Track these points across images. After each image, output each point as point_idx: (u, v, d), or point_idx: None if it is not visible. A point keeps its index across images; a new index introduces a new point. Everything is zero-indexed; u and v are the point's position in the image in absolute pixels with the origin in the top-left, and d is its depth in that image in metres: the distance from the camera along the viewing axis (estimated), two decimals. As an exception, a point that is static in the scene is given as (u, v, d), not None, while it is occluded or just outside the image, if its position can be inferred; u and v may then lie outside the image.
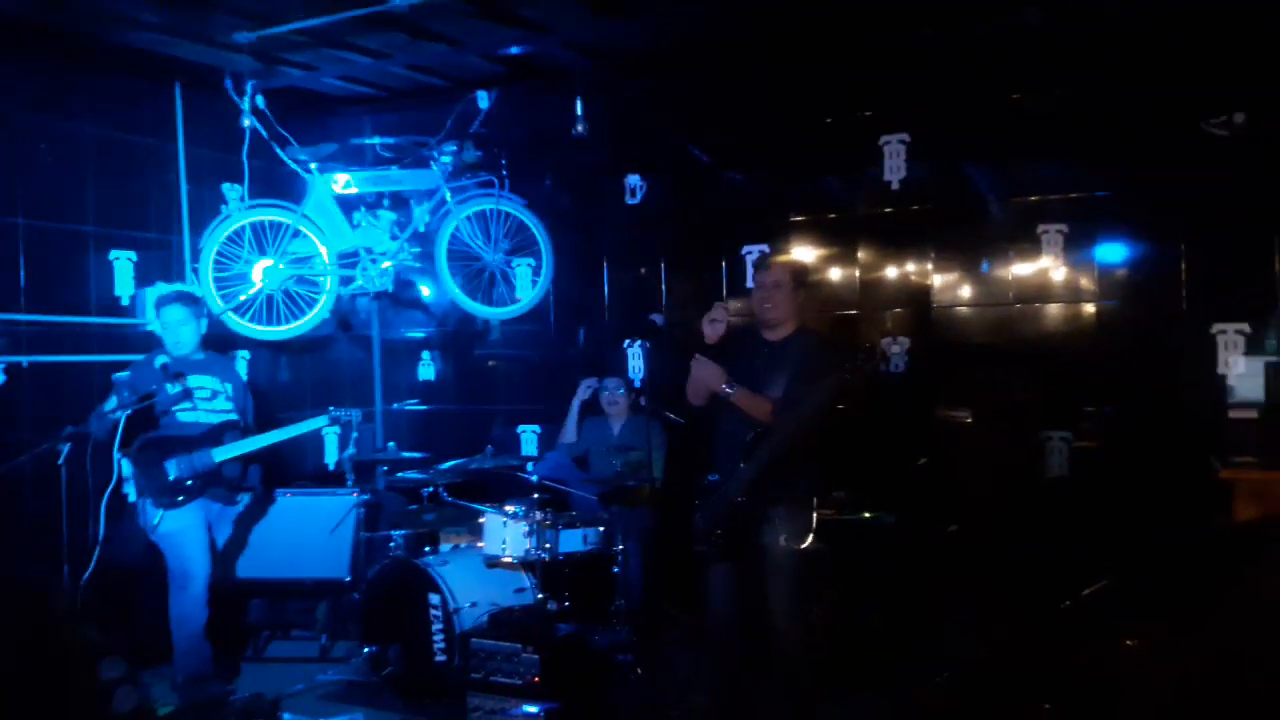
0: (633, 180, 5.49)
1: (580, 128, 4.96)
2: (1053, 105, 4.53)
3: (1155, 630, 2.76)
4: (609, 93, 5.29)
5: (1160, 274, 4.46)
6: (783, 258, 4.36)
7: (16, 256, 4.66)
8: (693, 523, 3.74)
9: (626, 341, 5.49)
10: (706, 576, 3.76)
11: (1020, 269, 4.70)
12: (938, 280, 4.87)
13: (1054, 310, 4.67)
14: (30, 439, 4.22)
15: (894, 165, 4.85)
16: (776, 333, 3.76)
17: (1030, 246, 4.66)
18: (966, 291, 4.83)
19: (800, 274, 3.85)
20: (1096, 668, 2.78)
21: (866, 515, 4.56)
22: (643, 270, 5.47)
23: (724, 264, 5.23)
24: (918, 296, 4.88)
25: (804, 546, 3.62)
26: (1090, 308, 4.60)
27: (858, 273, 5.01)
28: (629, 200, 5.49)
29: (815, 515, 3.69)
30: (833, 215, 5.06)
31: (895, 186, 4.86)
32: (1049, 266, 4.63)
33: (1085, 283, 4.60)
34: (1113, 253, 4.57)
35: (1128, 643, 2.99)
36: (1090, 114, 4.45)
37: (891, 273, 4.96)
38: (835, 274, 5.07)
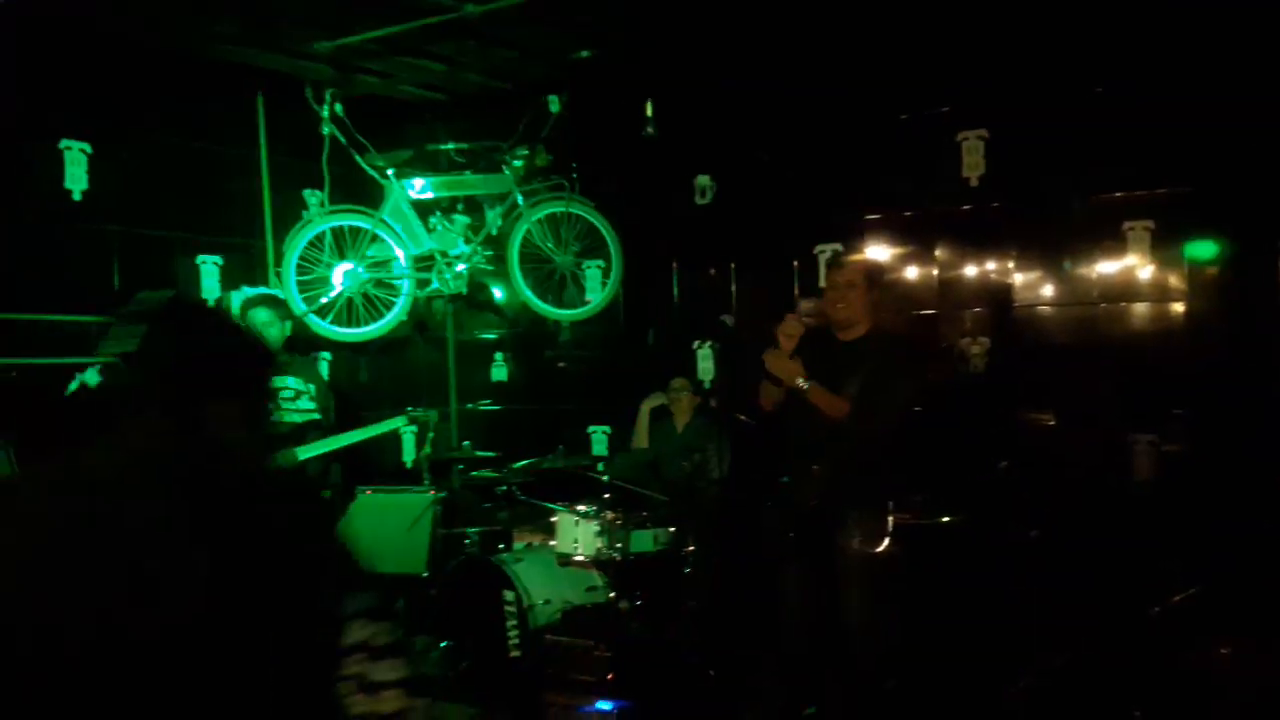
0: (702, 180, 5.48)
1: (650, 129, 4.97)
2: (1139, 98, 4.39)
3: (1248, 637, 2.67)
4: (679, 94, 5.30)
5: (1253, 271, 4.29)
6: (856, 257, 4.30)
7: (111, 262, 4.84)
8: (762, 525, 3.71)
9: (696, 343, 5.49)
10: (779, 579, 3.73)
11: (1105, 267, 4.56)
12: (1018, 279, 4.75)
13: (1140, 309, 4.52)
14: (124, 437, 4.36)
15: (972, 161, 4.76)
16: (850, 333, 3.70)
17: (1115, 244, 4.52)
18: (1048, 290, 4.71)
19: (874, 273, 3.80)
20: (1188, 675, 2.70)
21: (945, 519, 4.47)
22: (712, 271, 5.46)
23: (796, 263, 5.19)
24: (998, 296, 4.77)
25: (879, 550, 3.56)
26: (1179, 307, 4.44)
27: (935, 271, 4.93)
28: (698, 200, 5.48)
29: (891, 519, 3.63)
30: (908, 213, 4.98)
31: (974, 183, 4.76)
32: (1135, 264, 4.49)
33: (1174, 281, 4.45)
34: (1203, 250, 4.41)
35: (1221, 650, 2.89)
36: (1178, 106, 4.30)
37: (970, 271, 4.86)
38: (912, 273, 4.99)
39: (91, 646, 1.27)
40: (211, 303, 5.25)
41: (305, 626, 1.43)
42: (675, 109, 5.21)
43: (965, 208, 4.81)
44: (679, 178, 5.51)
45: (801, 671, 3.74)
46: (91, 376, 4.62)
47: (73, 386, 4.57)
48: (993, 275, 4.81)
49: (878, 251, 5.04)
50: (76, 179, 4.70)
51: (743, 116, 5.32)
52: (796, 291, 5.17)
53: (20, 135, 4.51)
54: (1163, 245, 4.44)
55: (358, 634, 1.54)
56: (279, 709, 1.39)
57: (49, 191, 4.61)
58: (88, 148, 4.72)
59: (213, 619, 1.31)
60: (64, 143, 4.66)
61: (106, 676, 1.27)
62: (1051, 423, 4.62)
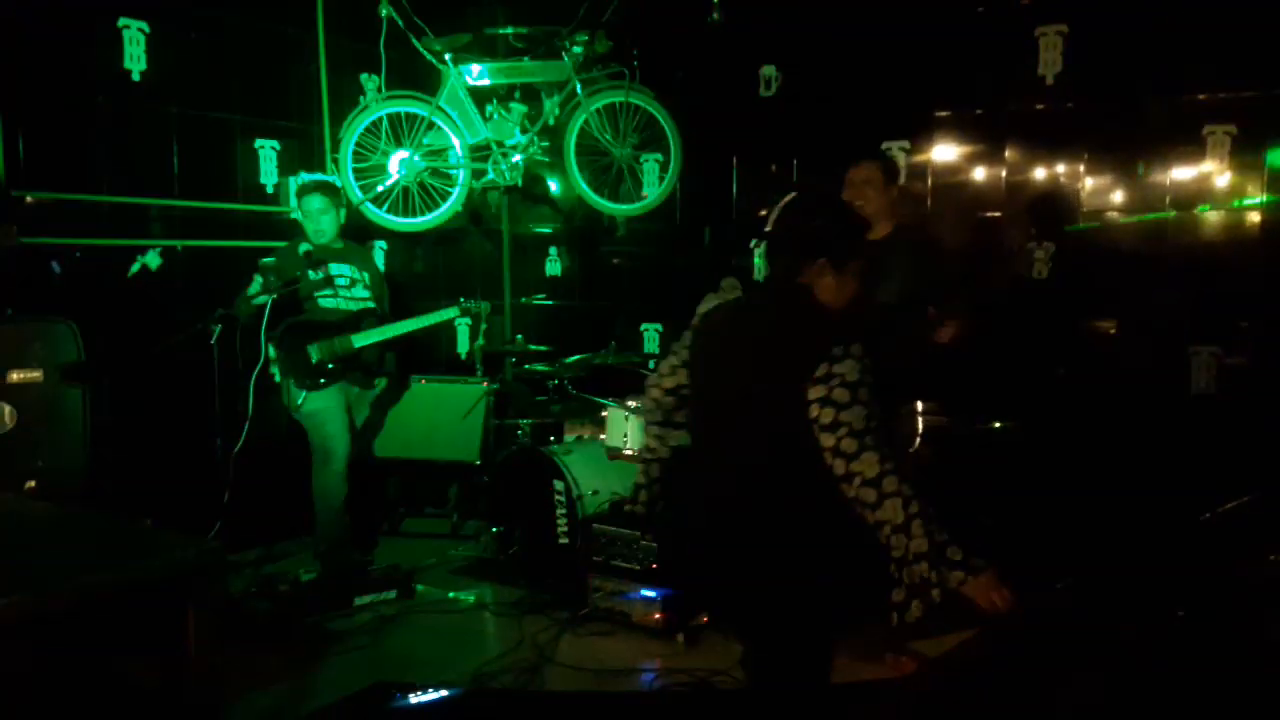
0: (767, 71, 5.30)
1: (715, 15, 4.81)
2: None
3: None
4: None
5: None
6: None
7: (170, 144, 4.85)
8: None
9: (753, 242, 5.41)
10: None
11: (1180, 173, 4.39)
12: (1089, 183, 4.59)
13: (1213, 218, 4.36)
14: (185, 319, 4.47)
15: (1050, 59, 4.55)
16: (874, 233, 3.64)
17: (1193, 149, 4.33)
18: (1119, 196, 4.55)
19: (891, 169, 3.71)
20: (1236, 580, 2.69)
21: (998, 425, 4.46)
22: (774, 168, 5.33)
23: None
24: (1066, 200, 4.63)
25: (912, 450, 3.57)
26: (1255, 217, 4.28)
27: (1004, 173, 4.77)
28: (763, 93, 5.32)
29: (921, 420, 3.61)
30: (980, 111, 4.79)
31: (1050, 82, 4.56)
32: (1212, 171, 4.31)
33: (1252, 189, 4.27)
34: (1287, 157, 4.23)
35: (1270, 557, 2.87)
36: (1270, 3, 4.06)
37: (1040, 174, 4.70)
38: (980, 174, 4.83)
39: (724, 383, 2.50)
40: (270, 188, 5.28)
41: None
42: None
43: (1039, 107, 4.62)
44: (743, 68, 5.33)
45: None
46: (153, 259, 4.70)
47: (134, 268, 4.66)
48: (1063, 178, 4.65)
49: (946, 150, 4.88)
50: (135, 59, 4.68)
51: (811, 5, 5.11)
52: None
53: (78, 13, 4.48)
54: (1243, 151, 4.25)
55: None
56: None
57: (108, 72, 4.59)
58: (146, 27, 4.68)
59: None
60: (122, 21, 4.62)
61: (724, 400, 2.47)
62: (1113, 331, 4.52)
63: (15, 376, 3.85)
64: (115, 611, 2.35)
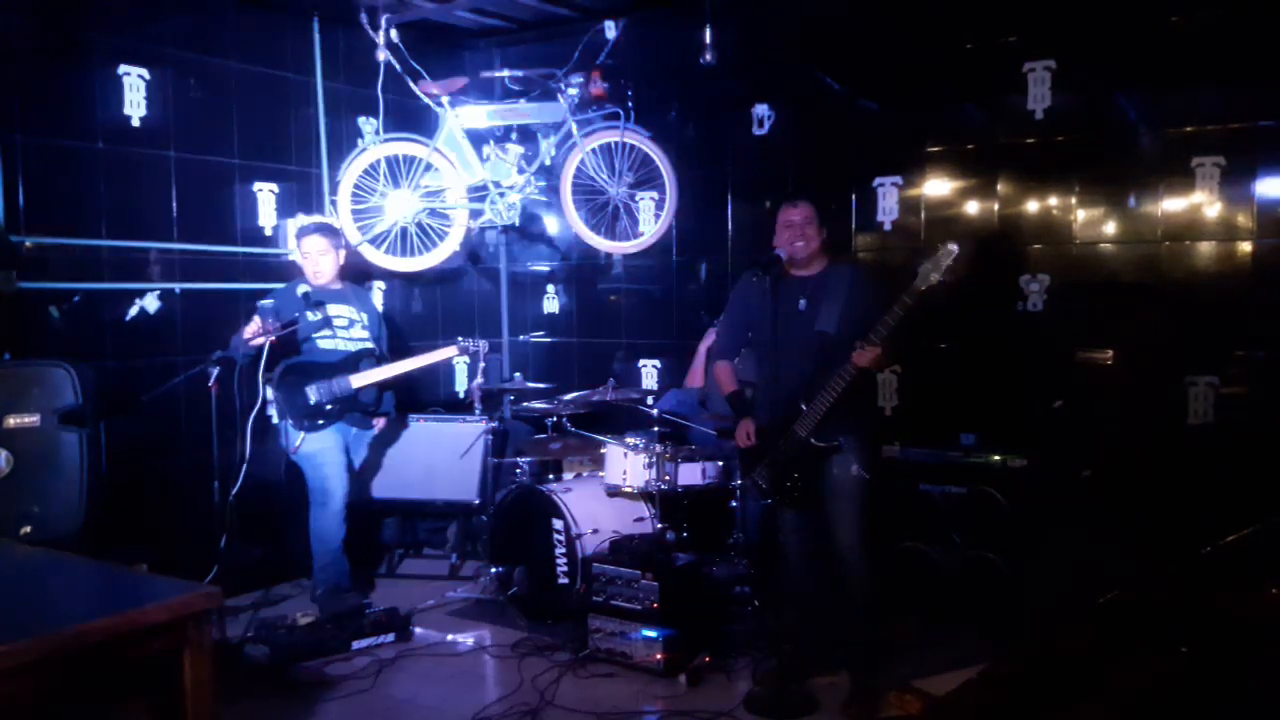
0: (760, 110, 5.36)
1: (708, 56, 4.87)
2: (1213, 27, 4.20)
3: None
4: (738, 19, 5.17)
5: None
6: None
7: (169, 188, 4.89)
8: (761, 473, 3.76)
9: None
10: (777, 521, 3.82)
11: (1171, 204, 4.42)
12: (1081, 215, 4.63)
13: (1205, 249, 4.39)
14: (183, 361, 4.48)
15: (1038, 93, 4.60)
16: (808, 268, 3.74)
17: (1183, 181, 4.37)
18: (1111, 228, 4.58)
19: (821, 211, 3.80)
20: (1238, 615, 2.67)
21: (997, 458, 4.45)
22: (768, 204, 5.37)
23: (854, 197, 5.09)
24: (1059, 232, 4.66)
25: (870, 477, 3.62)
26: (1246, 246, 4.30)
27: (996, 206, 4.81)
28: (756, 131, 5.37)
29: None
30: (971, 145, 4.84)
31: (1039, 116, 4.61)
32: (1202, 202, 4.35)
33: (1242, 219, 4.30)
34: (1275, 187, 4.25)
35: (1273, 591, 2.86)
36: (1254, 37, 4.12)
37: (1032, 206, 4.74)
38: (972, 207, 4.87)
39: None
40: (268, 230, 5.31)
41: None
42: (734, 36, 5.09)
43: (1029, 141, 4.67)
44: (736, 107, 5.40)
45: (810, 606, 3.82)
46: (150, 302, 4.72)
47: (133, 312, 4.67)
48: (1055, 211, 4.68)
49: (939, 185, 4.93)
50: (135, 105, 4.73)
51: (803, 45, 5.18)
52: (854, 225, 5.09)
53: (79, 61, 4.54)
54: (1232, 183, 4.29)
55: None
56: None
57: (108, 118, 4.64)
58: (146, 73, 4.74)
59: None
60: (123, 68, 4.68)
61: None
62: (1110, 362, 4.53)
63: (12, 421, 3.84)
64: (111, 657, 2.33)
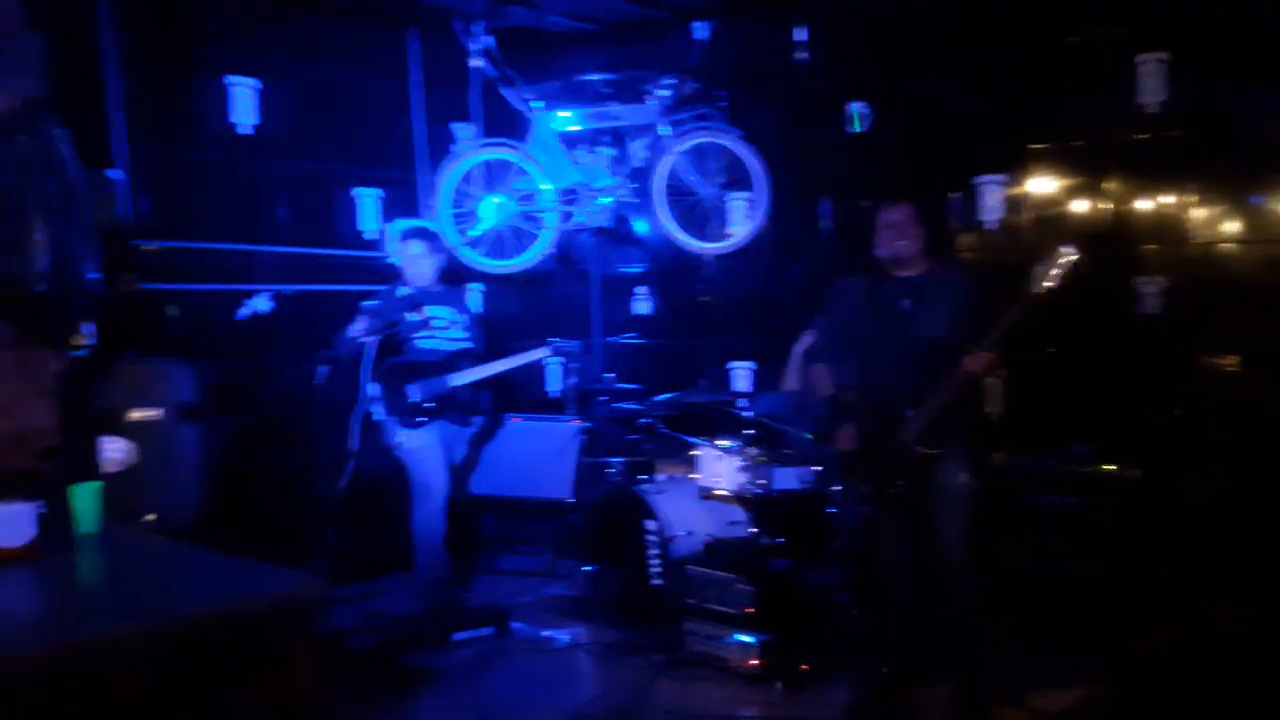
0: (856, 108, 5.29)
1: (802, 55, 4.82)
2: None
3: None
4: (832, 16, 5.11)
5: None
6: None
7: (277, 194, 5.06)
8: (862, 479, 3.69)
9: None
10: (879, 529, 3.73)
11: (1296, 200, 4.22)
12: (1198, 213, 4.44)
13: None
14: (292, 360, 4.62)
15: (1150, 86, 4.42)
16: (912, 269, 3.64)
17: (1310, 175, 4.17)
18: (1232, 226, 4.39)
19: (923, 210, 3.70)
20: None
21: (1110, 468, 4.29)
22: (865, 203, 5.29)
23: (955, 196, 4.98)
24: (1174, 231, 4.47)
25: (976, 485, 3.54)
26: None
27: (1106, 204, 4.65)
28: (851, 130, 5.31)
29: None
30: (1078, 142, 4.69)
31: (1151, 110, 4.44)
32: (1331, 196, 4.14)
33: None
34: None
35: None
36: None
37: (1145, 205, 4.56)
38: (1081, 206, 4.72)
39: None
40: (371, 234, 5.44)
41: None
42: (827, 34, 5.03)
43: (1141, 137, 4.49)
44: (831, 106, 5.32)
45: (910, 619, 3.72)
46: (262, 303, 4.88)
47: (246, 312, 4.84)
48: (1169, 209, 4.50)
49: (1044, 183, 4.78)
50: (244, 114, 4.91)
51: (899, 40, 5.09)
52: (956, 226, 4.97)
53: (191, 73, 4.73)
54: (1363, 177, 4.07)
55: None
56: None
57: (221, 126, 4.83)
58: (253, 84, 4.91)
59: None
60: (232, 79, 4.86)
61: None
62: (1234, 369, 4.33)
63: (136, 415, 4.02)
64: (227, 643, 2.41)
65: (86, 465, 3.88)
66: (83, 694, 2.16)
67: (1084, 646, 4.00)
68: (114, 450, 3.95)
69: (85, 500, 2.99)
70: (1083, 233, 4.62)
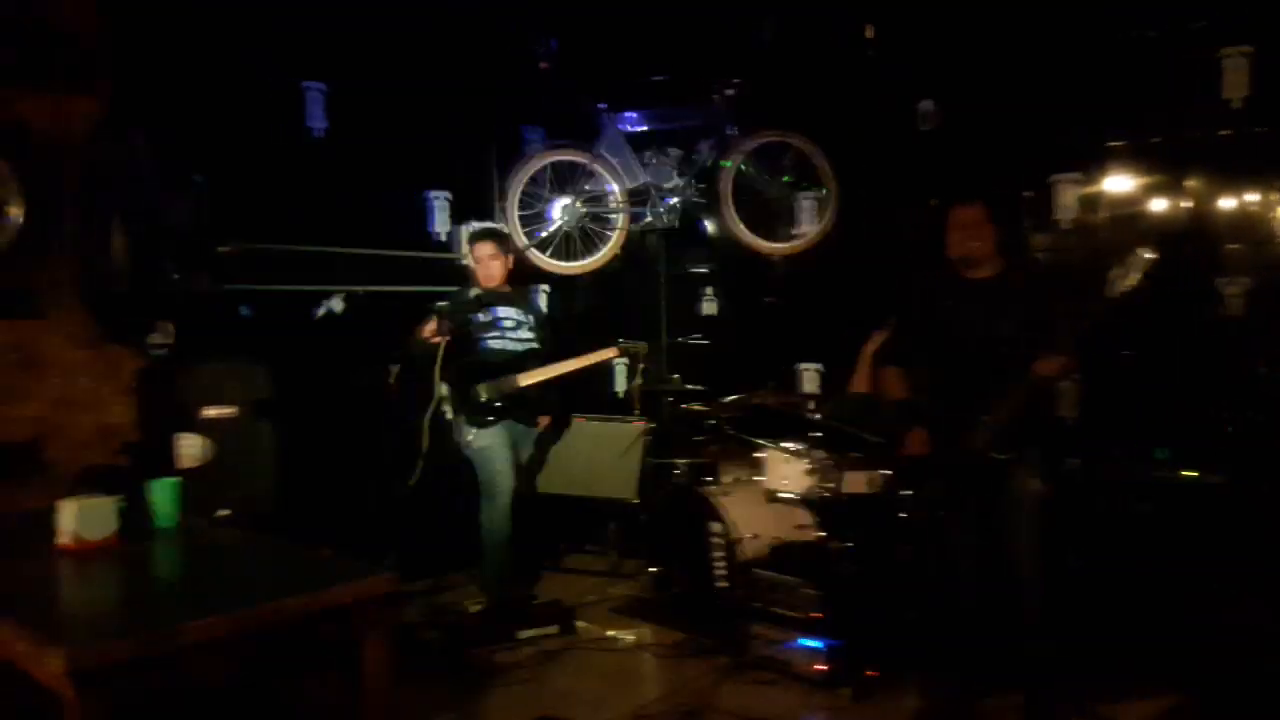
0: (926, 106, 5.20)
1: (871, 52, 4.77)
2: None
3: None
4: (901, 13, 5.04)
5: None
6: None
7: (350, 197, 5.15)
8: (933, 483, 3.62)
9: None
10: (950, 535, 3.64)
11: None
12: (1286, 212, 4.28)
13: None
14: (364, 359, 4.72)
15: (1235, 81, 4.28)
16: (981, 271, 3.56)
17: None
18: (1322, 225, 4.22)
19: (997, 209, 3.61)
20: None
21: (1191, 474, 4.15)
22: (936, 203, 5.20)
23: (1028, 195, 4.87)
24: (1258, 230, 4.31)
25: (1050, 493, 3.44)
26: None
27: (1186, 203, 4.50)
28: (921, 127, 5.22)
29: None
30: (1157, 139, 4.55)
31: (1235, 106, 4.29)
32: None
33: None
34: None
35: None
36: None
37: (1227, 203, 4.41)
38: (1159, 204, 4.57)
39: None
40: (443, 236, 5.53)
41: None
42: (897, 30, 4.96)
43: (1224, 133, 4.35)
44: (900, 104, 5.24)
45: (980, 618, 3.63)
46: (336, 303, 4.99)
47: (320, 313, 4.95)
48: (1255, 207, 4.34)
49: (1120, 181, 4.65)
50: (317, 117, 5.02)
51: (970, 36, 4.99)
52: (1029, 225, 4.87)
53: (265, 78, 4.85)
54: None
55: None
56: None
57: (293, 130, 4.94)
58: (326, 87, 5.02)
59: None
60: (305, 83, 4.97)
61: None
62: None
63: (212, 412, 4.15)
64: (301, 634, 2.47)
65: (164, 461, 4.02)
66: (162, 681, 2.24)
67: (1160, 656, 3.88)
68: (190, 446, 4.08)
69: (163, 495, 3.10)
70: (1161, 232, 4.49)
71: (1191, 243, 4.43)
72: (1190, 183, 4.48)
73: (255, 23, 4.79)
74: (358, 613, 2.55)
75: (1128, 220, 4.62)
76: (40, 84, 3.83)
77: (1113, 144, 4.67)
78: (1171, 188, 4.54)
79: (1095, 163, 4.70)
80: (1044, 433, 3.57)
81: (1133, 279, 3.20)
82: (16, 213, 3.73)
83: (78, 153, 3.85)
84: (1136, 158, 4.62)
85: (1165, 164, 4.54)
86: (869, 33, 4.78)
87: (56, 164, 3.84)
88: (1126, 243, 3.34)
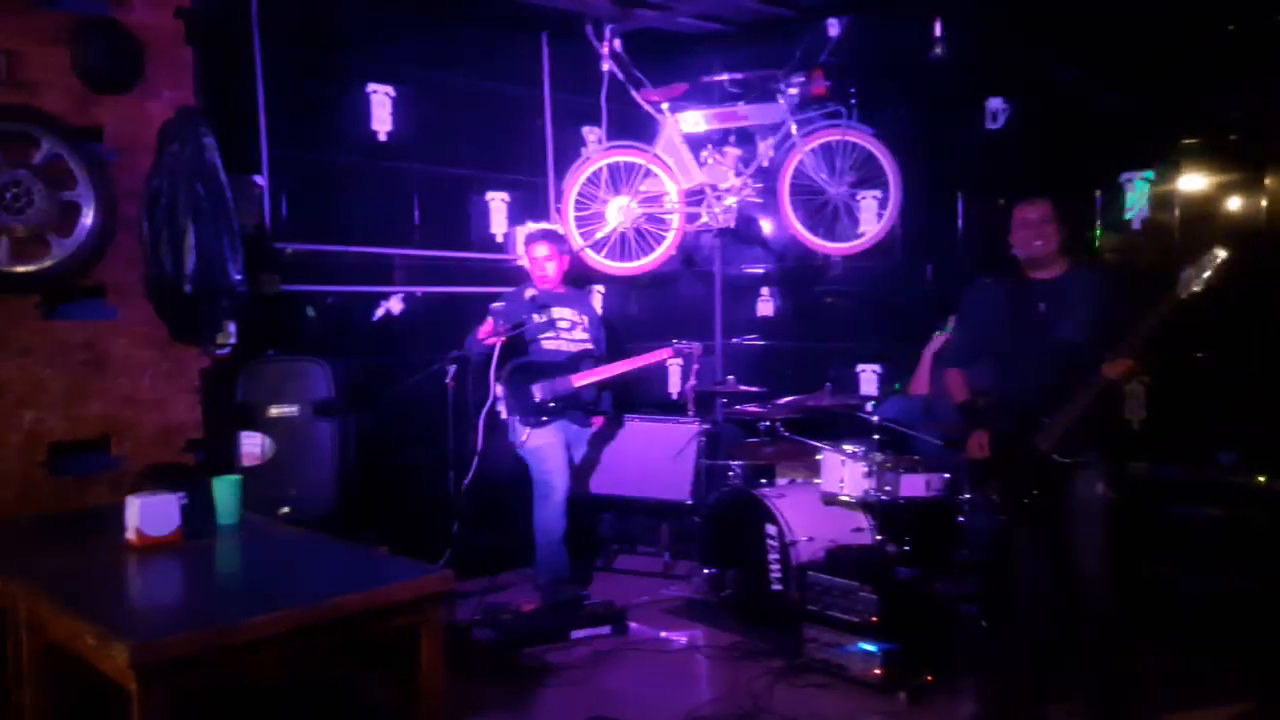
0: (994, 104, 5.07)
1: (938, 50, 4.68)
2: None
3: None
4: (969, 10, 4.93)
5: None
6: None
7: (411, 198, 5.23)
8: (995, 487, 3.54)
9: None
10: (1011, 539, 3.57)
11: None
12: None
13: None
14: (422, 359, 4.77)
15: (1315, 76, 4.12)
16: (1046, 271, 3.48)
17: None
18: None
19: (1063, 209, 3.53)
20: None
21: (1261, 479, 4.02)
22: (1002, 201, 5.09)
23: (1098, 193, 4.74)
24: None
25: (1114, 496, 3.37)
26: None
27: (1264, 202, 4.34)
28: (989, 126, 5.11)
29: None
30: (1234, 136, 4.40)
31: (1316, 101, 4.13)
32: None
33: None
34: None
35: None
36: None
37: (1310, 203, 4.25)
38: (1234, 203, 4.42)
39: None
40: (500, 237, 5.57)
41: None
42: (964, 28, 4.86)
43: (1304, 129, 4.19)
44: (967, 101, 5.12)
45: (1044, 635, 3.55)
46: (395, 304, 5.05)
47: (380, 313, 5.02)
48: (1339, 208, 4.17)
49: (1195, 179, 4.50)
50: (381, 121, 5.08)
51: (1040, 32, 4.87)
52: (1098, 225, 4.73)
53: (333, 81, 4.93)
54: None
55: None
56: None
57: (358, 133, 5.01)
58: (391, 91, 5.08)
59: None
60: (370, 86, 5.04)
61: None
62: None
63: (274, 411, 4.22)
64: (359, 630, 2.50)
65: (227, 458, 4.11)
66: (222, 675, 2.28)
67: (1228, 664, 3.77)
68: (252, 444, 4.15)
69: (226, 492, 3.16)
70: (1235, 231, 4.34)
71: (1266, 242, 4.28)
72: (1268, 181, 4.32)
73: (325, 26, 4.87)
74: (415, 610, 2.57)
75: (1200, 219, 4.47)
76: (115, 87, 3.93)
77: (1187, 141, 4.52)
78: (1247, 186, 4.38)
79: (1168, 160, 4.56)
80: (1109, 437, 3.47)
81: (1205, 279, 3.11)
82: (88, 214, 3.83)
83: (149, 154, 3.94)
84: (1211, 155, 4.47)
85: (1241, 162, 4.38)
86: (938, 29, 4.69)
87: (129, 166, 3.93)
88: (1199, 242, 3.23)
